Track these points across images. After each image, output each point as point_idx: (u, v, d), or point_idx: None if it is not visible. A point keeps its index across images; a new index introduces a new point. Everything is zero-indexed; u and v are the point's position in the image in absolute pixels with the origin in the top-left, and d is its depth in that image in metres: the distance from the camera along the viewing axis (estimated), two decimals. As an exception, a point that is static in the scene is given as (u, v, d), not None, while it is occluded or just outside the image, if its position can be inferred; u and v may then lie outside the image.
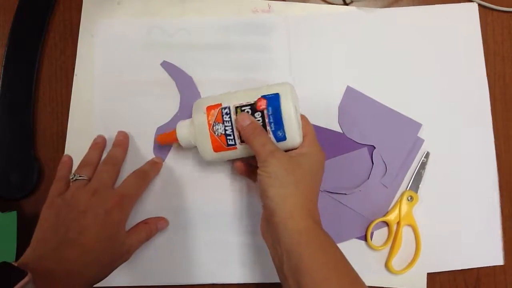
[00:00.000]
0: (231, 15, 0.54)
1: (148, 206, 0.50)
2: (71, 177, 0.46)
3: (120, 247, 0.44)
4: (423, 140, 0.52)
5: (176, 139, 0.45)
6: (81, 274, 0.40)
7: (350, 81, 0.53)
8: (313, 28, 0.54)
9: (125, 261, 0.45)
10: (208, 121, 0.43)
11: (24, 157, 0.51)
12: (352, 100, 0.52)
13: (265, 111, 0.42)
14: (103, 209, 0.43)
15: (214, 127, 0.43)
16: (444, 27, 0.54)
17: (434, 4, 0.54)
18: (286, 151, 0.42)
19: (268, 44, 0.53)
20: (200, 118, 0.43)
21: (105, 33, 0.53)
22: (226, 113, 0.43)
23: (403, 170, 0.51)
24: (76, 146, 0.51)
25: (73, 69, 0.53)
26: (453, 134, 0.52)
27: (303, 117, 0.44)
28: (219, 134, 0.43)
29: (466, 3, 0.55)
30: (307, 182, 0.40)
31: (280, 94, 0.42)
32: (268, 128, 0.42)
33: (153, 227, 0.48)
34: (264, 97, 0.42)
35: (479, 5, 0.54)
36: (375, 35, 0.54)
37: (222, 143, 0.43)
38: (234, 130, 0.42)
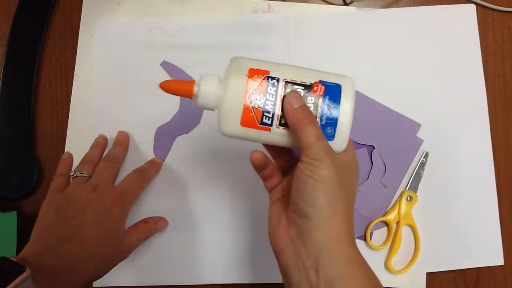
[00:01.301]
0: (231, 15, 0.54)
1: (148, 206, 0.50)
2: (71, 174, 0.46)
3: (119, 244, 0.44)
4: (422, 140, 0.52)
5: (191, 94, 0.36)
6: (80, 270, 0.41)
7: (349, 81, 0.53)
8: (313, 28, 0.54)
9: (123, 259, 0.45)
10: (247, 87, 0.35)
11: (24, 157, 0.51)
12: (352, 100, 0.52)
13: (321, 99, 0.35)
14: (103, 205, 0.43)
15: (253, 96, 0.35)
16: (443, 27, 0.54)
17: (433, 4, 0.55)
18: None
19: (268, 44, 0.53)
20: (238, 80, 0.35)
21: (105, 33, 0.53)
22: (273, 85, 0.35)
23: (402, 170, 0.51)
24: (76, 146, 0.51)
25: (73, 69, 0.53)
26: (452, 135, 0.52)
27: None
28: (257, 106, 0.35)
29: (465, 4, 0.55)
30: (353, 199, 0.35)
31: (343, 86, 0.35)
32: (317, 119, 0.35)
33: (153, 226, 0.48)
34: (322, 83, 0.35)
35: (479, 5, 0.55)
36: (375, 36, 0.54)
37: (255, 117, 0.35)
38: (277, 108, 0.35)
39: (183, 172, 0.51)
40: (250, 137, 0.36)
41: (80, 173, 0.46)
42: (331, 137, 0.35)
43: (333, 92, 0.35)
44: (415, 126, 0.52)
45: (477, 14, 0.54)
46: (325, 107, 0.35)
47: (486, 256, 0.51)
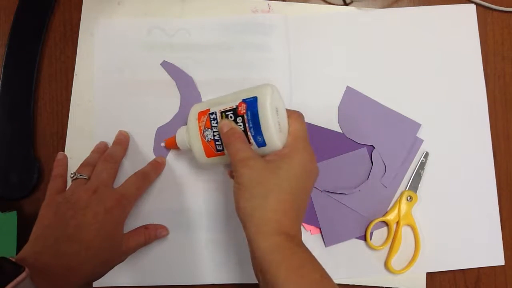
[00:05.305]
0: (231, 15, 0.54)
1: (148, 206, 0.50)
2: (71, 176, 0.46)
3: (118, 246, 0.44)
4: (422, 140, 0.52)
5: (176, 144, 0.46)
6: (78, 270, 0.41)
7: (349, 81, 0.53)
8: (313, 28, 0.54)
9: (120, 262, 0.45)
10: (199, 127, 0.43)
11: (24, 157, 0.51)
12: (352, 100, 0.52)
13: (245, 116, 0.40)
14: (103, 207, 0.43)
15: (205, 133, 0.43)
16: (443, 27, 0.54)
17: (433, 4, 0.55)
18: None
19: (268, 44, 0.53)
20: (193, 124, 0.44)
21: (105, 33, 0.53)
22: (214, 119, 0.42)
23: (402, 170, 0.51)
24: (76, 146, 0.51)
25: (73, 69, 0.53)
26: (452, 134, 0.52)
27: (293, 114, 0.42)
28: (209, 140, 0.43)
29: (465, 4, 0.55)
30: (280, 192, 0.37)
31: (258, 97, 0.39)
32: (249, 133, 0.40)
33: (152, 233, 0.48)
34: (244, 101, 0.40)
35: (479, 5, 0.55)
36: (375, 36, 0.54)
37: (212, 148, 0.43)
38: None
39: (183, 172, 0.51)
40: (216, 163, 0.45)
41: (81, 175, 0.46)
42: (263, 143, 0.39)
43: (251, 106, 0.39)
44: (415, 126, 0.52)
45: (477, 14, 0.54)
46: (250, 122, 0.39)
47: (487, 256, 0.51)
